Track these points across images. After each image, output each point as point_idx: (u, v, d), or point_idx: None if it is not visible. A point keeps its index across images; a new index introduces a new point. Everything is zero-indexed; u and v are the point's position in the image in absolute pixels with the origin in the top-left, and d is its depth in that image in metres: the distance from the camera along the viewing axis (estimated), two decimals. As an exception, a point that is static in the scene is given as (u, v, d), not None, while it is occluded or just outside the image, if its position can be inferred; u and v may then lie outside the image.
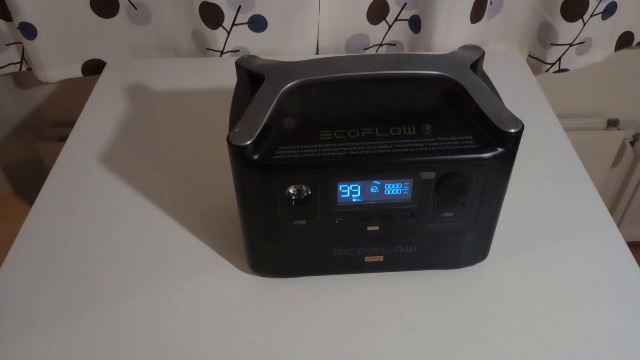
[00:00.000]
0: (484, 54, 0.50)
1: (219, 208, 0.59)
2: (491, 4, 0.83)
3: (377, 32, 0.85)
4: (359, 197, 0.45)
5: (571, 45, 0.86)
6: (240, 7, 0.80)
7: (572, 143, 0.68)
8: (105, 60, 0.86)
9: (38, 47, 0.82)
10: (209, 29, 0.80)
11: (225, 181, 0.49)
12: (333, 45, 0.86)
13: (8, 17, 0.81)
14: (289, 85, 0.44)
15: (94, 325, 0.49)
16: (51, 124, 1.01)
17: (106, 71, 0.82)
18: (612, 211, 1.21)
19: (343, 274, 0.52)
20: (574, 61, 0.88)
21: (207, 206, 0.60)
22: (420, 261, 0.52)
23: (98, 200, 0.61)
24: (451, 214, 0.47)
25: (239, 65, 0.50)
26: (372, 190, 0.45)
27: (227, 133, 0.42)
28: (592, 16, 0.82)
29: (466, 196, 0.45)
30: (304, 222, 0.47)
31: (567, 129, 0.70)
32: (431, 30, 0.82)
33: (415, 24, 0.84)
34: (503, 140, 0.42)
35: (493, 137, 0.43)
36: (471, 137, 0.43)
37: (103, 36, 0.83)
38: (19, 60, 0.88)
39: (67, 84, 0.93)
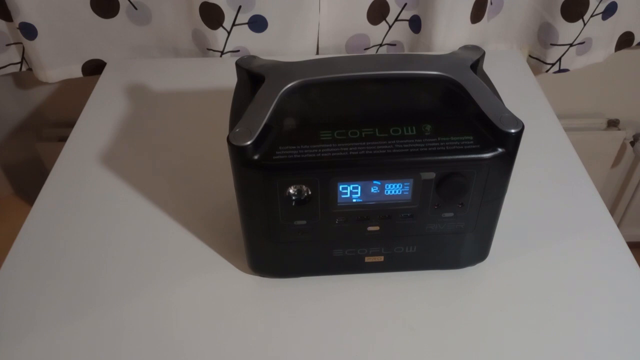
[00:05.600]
0: (484, 54, 0.50)
1: (219, 208, 0.59)
2: (491, 4, 0.83)
3: (377, 32, 0.85)
4: (359, 197, 0.45)
5: (571, 45, 0.86)
6: (240, 7, 0.80)
7: (572, 143, 0.68)
8: (105, 60, 0.86)
9: (38, 47, 0.82)
10: (209, 29, 0.80)
11: (225, 181, 0.49)
12: (333, 45, 0.86)
13: (8, 17, 0.81)
14: (289, 85, 0.44)
15: (94, 325, 0.49)
16: (51, 124, 1.01)
17: (106, 71, 0.82)
18: (612, 211, 1.21)
19: (343, 274, 0.52)
20: (574, 61, 0.88)
21: (207, 206, 0.60)
22: (420, 261, 0.52)
23: (98, 200, 0.61)
24: (451, 214, 0.47)
25: (239, 65, 0.49)
26: (372, 190, 0.45)
27: (227, 133, 0.42)
28: (592, 16, 0.82)
29: (466, 196, 0.45)
30: (304, 222, 0.47)
31: (567, 129, 0.70)
32: (431, 30, 0.82)
33: (415, 24, 0.84)
34: (503, 140, 0.42)
35: (493, 137, 0.43)
36: (471, 137, 0.43)
37: (103, 36, 0.83)
38: (19, 60, 0.88)
39: (67, 84, 0.93)
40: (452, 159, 0.43)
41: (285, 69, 0.46)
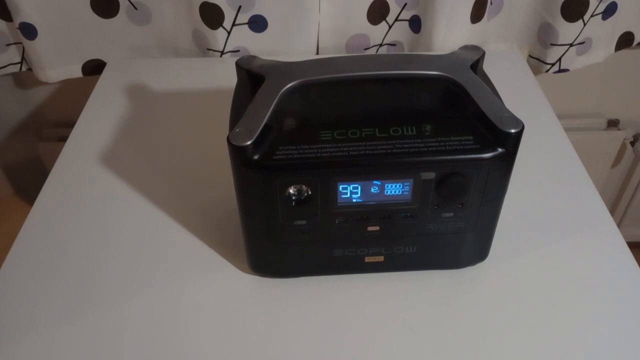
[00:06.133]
0: (484, 54, 0.50)
1: (219, 208, 0.59)
2: (491, 4, 0.83)
3: (377, 32, 0.85)
4: (359, 197, 0.45)
5: (571, 45, 0.86)
6: (240, 7, 0.80)
7: (572, 143, 0.68)
8: (105, 60, 0.86)
9: (38, 47, 0.82)
10: (209, 29, 0.80)
11: (225, 181, 0.49)
12: (333, 45, 0.86)
13: (8, 17, 0.81)
14: (289, 85, 0.44)
15: (94, 325, 0.49)
16: (51, 124, 1.01)
17: (106, 71, 0.82)
18: (612, 211, 1.21)
19: (343, 274, 0.52)
20: (574, 61, 0.88)
21: (207, 206, 0.60)
22: (420, 261, 0.52)
23: (98, 200, 0.61)
24: (451, 214, 0.47)
25: (239, 65, 0.50)
26: (372, 190, 0.45)
27: (227, 133, 0.42)
28: (592, 16, 0.82)
29: (466, 196, 0.45)
30: (304, 222, 0.47)
31: (567, 129, 0.70)
32: (431, 30, 0.82)
33: (415, 24, 0.84)
34: (503, 140, 0.42)
35: (493, 137, 0.43)
36: (471, 137, 0.43)
37: (103, 36, 0.83)
38: (19, 60, 0.88)
39: (67, 84, 0.93)
40: (452, 159, 0.43)
41: (285, 69, 0.46)
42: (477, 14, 0.82)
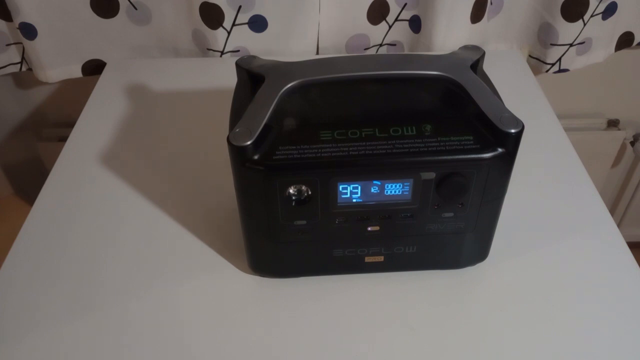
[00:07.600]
0: (484, 54, 0.50)
1: (219, 208, 0.59)
2: (491, 4, 0.83)
3: (377, 32, 0.85)
4: (359, 197, 0.45)
5: (571, 45, 0.86)
6: (240, 7, 0.80)
7: (572, 143, 0.68)
8: (105, 60, 0.86)
9: (38, 47, 0.82)
10: (209, 29, 0.81)
11: (226, 181, 0.49)
12: (333, 45, 0.86)
13: (8, 17, 0.81)
14: (289, 85, 0.44)
15: (94, 325, 0.49)
16: (51, 124, 1.01)
17: (106, 71, 0.82)
18: (612, 211, 1.21)
19: (343, 274, 0.52)
20: (574, 61, 0.88)
21: (208, 206, 0.60)
22: (420, 261, 0.52)
23: (98, 200, 0.61)
24: (451, 214, 0.47)
25: (239, 65, 0.50)
26: (372, 190, 0.45)
27: (227, 133, 0.42)
28: (592, 16, 0.82)
29: (466, 196, 0.45)
30: (304, 222, 0.47)
31: (567, 129, 0.70)
32: (431, 30, 0.82)
33: (415, 24, 0.84)
34: (503, 140, 0.42)
35: (493, 137, 0.43)
36: (471, 137, 0.43)
37: (103, 36, 0.83)
38: (19, 60, 0.88)
39: (67, 84, 0.93)
40: (452, 159, 0.43)
41: (285, 69, 0.46)
42: (477, 14, 0.82)
